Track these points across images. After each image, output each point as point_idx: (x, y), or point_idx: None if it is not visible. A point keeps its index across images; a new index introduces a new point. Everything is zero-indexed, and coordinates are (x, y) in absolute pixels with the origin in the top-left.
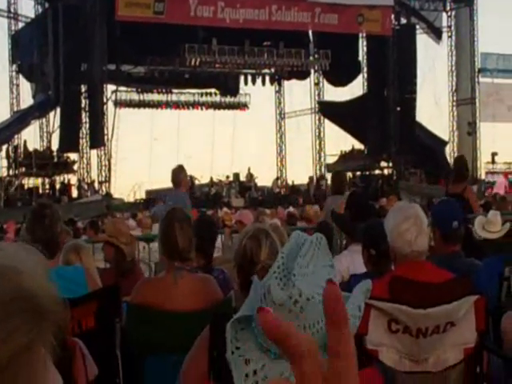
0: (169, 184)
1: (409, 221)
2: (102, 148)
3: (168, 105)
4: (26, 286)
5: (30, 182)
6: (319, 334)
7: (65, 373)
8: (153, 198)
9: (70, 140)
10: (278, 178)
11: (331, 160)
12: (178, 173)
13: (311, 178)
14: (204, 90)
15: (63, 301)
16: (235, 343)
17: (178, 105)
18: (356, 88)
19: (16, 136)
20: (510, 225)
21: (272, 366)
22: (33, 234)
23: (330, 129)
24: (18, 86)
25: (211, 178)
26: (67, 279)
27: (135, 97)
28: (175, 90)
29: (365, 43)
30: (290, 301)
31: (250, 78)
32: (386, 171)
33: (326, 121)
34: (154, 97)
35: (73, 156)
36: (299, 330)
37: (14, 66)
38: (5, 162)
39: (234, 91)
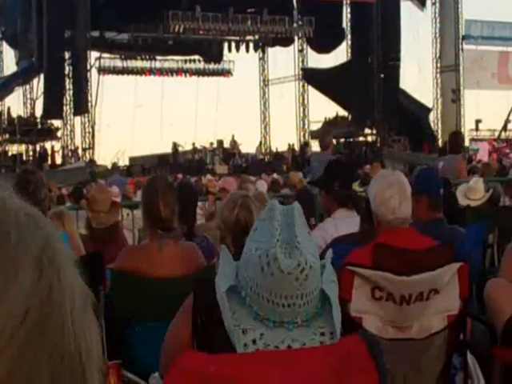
0: (152, 151)
1: (392, 188)
2: (86, 115)
3: (152, 71)
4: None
5: (13, 149)
6: (312, 303)
7: None
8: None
9: (53, 107)
10: (260, 143)
11: (315, 127)
12: (326, 136)
13: (290, 146)
14: (188, 57)
15: None
16: (231, 314)
17: (161, 71)
18: (340, 55)
19: (0, 103)
20: (493, 191)
21: (271, 334)
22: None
23: (314, 96)
24: (1, 52)
25: (193, 144)
26: None
27: (119, 64)
28: (159, 57)
29: (349, 10)
30: (298, 268)
31: (233, 44)
32: (369, 138)
33: (310, 88)
34: (138, 64)
35: (56, 123)
36: (299, 298)
37: None
38: None
39: (218, 58)
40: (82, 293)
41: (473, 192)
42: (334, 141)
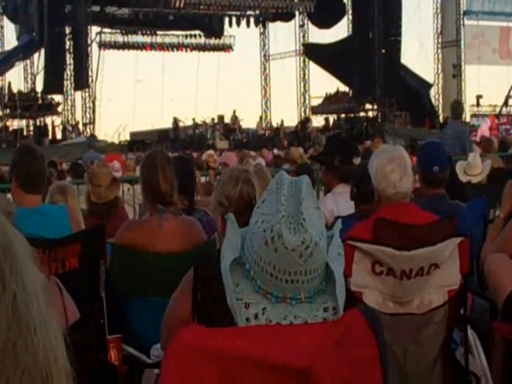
0: (153, 126)
1: (393, 162)
2: (87, 90)
3: (152, 46)
4: None
5: (14, 124)
6: (317, 280)
7: None
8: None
9: (54, 82)
10: (260, 119)
11: (316, 102)
12: (458, 105)
13: (282, 121)
14: (188, 32)
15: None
16: (233, 288)
17: (162, 46)
18: (341, 30)
19: (0, 78)
20: (489, 163)
21: (273, 309)
22: (23, 166)
23: (315, 71)
24: (2, 27)
25: (193, 120)
26: (51, 217)
27: (119, 38)
28: (160, 32)
29: None
30: (303, 246)
31: (234, 19)
32: (370, 113)
33: (311, 63)
34: (139, 38)
35: (57, 98)
36: (302, 274)
37: None
38: None
39: (219, 33)
40: (42, 288)
41: (472, 168)
42: (335, 116)
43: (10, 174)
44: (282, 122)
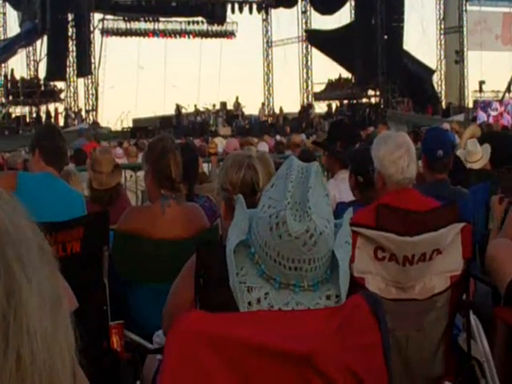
0: (155, 113)
1: (401, 149)
2: (89, 76)
3: (155, 33)
4: None
5: (16, 111)
6: (321, 269)
7: None
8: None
9: (56, 68)
10: (263, 104)
11: (318, 88)
12: None
13: (281, 109)
14: (191, 19)
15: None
16: (237, 270)
17: (164, 33)
18: (343, 16)
19: (3, 65)
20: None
21: (276, 294)
22: (51, 140)
23: (317, 57)
24: (4, 14)
25: (195, 106)
26: (66, 191)
27: (122, 25)
28: (162, 19)
29: None
30: (307, 234)
31: (237, 6)
32: (373, 100)
33: (314, 49)
34: (141, 25)
35: (60, 84)
36: (306, 262)
37: None
38: None
39: (221, 20)
40: (53, 300)
41: (472, 155)
42: (338, 103)
43: (32, 146)
44: (281, 108)
